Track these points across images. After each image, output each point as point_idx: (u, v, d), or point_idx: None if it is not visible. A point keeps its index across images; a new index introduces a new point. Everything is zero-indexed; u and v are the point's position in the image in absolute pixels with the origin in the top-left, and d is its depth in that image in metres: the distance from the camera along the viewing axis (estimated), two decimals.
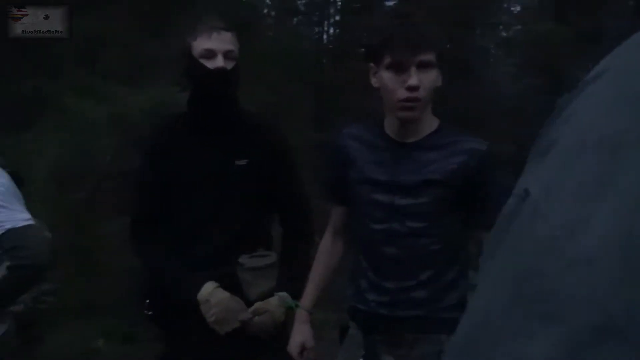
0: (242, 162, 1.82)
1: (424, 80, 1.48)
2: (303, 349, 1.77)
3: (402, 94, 1.49)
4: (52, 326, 2.56)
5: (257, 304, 1.79)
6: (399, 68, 1.48)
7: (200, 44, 1.75)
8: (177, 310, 1.80)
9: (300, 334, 1.77)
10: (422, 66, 1.48)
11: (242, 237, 1.83)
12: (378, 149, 1.61)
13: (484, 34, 11.54)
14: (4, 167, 2.23)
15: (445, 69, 1.62)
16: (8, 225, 1.79)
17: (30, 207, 2.03)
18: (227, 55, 1.76)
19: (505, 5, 11.81)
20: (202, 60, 1.75)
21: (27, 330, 2.31)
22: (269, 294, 1.82)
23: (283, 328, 1.85)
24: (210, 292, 1.75)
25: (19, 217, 1.83)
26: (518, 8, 11.89)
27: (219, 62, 1.74)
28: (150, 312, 1.80)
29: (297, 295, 1.82)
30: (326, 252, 1.81)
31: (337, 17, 14.50)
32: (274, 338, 1.82)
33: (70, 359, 3.75)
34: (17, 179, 2.33)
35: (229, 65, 1.76)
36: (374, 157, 1.61)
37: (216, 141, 1.83)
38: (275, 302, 1.80)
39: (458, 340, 0.41)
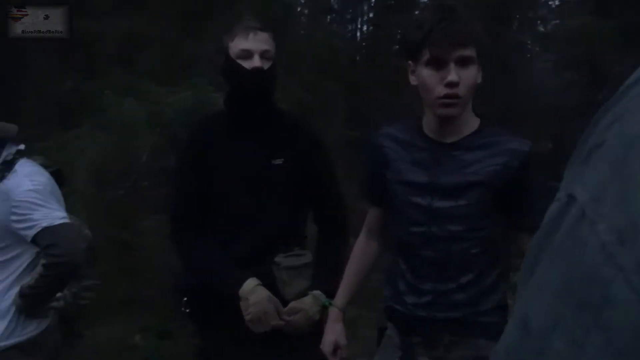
0: (278, 161, 1.83)
1: (464, 76, 1.45)
2: (336, 347, 1.77)
3: (441, 90, 1.45)
4: (92, 322, 2.62)
5: (292, 304, 1.81)
6: (438, 64, 1.45)
7: (238, 45, 1.76)
8: (214, 306, 1.83)
9: (333, 333, 1.78)
10: (462, 62, 1.44)
11: (279, 236, 1.84)
12: (416, 149, 1.58)
13: (521, 29, 11.34)
14: (46, 167, 2.29)
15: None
16: (44, 224, 1.83)
17: (70, 205, 2.09)
18: (263, 55, 1.77)
19: None
20: (239, 61, 1.76)
21: (67, 326, 2.37)
22: (305, 293, 1.83)
23: (318, 326, 1.86)
24: (250, 290, 1.77)
25: (55, 215, 1.87)
26: (556, 2, 11.65)
27: (255, 62, 1.75)
28: (187, 310, 1.83)
29: (331, 293, 1.82)
30: (360, 251, 1.80)
31: (371, 15, 14.43)
32: (309, 336, 1.83)
33: (108, 354, 3.83)
34: (59, 178, 2.40)
35: (266, 65, 1.77)
36: (412, 157, 1.58)
37: (253, 140, 1.84)
38: (310, 301, 1.81)
39: (501, 350, 0.40)
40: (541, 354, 0.34)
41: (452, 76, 1.44)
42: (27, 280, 1.89)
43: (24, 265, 1.93)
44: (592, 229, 0.34)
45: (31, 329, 1.92)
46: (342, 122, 7.65)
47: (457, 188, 1.51)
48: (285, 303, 1.82)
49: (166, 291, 2.48)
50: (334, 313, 1.80)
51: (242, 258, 1.82)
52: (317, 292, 1.83)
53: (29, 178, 1.93)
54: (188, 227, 1.91)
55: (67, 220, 1.89)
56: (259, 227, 1.83)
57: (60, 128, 5.02)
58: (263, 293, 1.77)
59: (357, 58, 10.93)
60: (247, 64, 1.75)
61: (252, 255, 1.82)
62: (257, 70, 1.75)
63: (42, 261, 1.86)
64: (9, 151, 1.98)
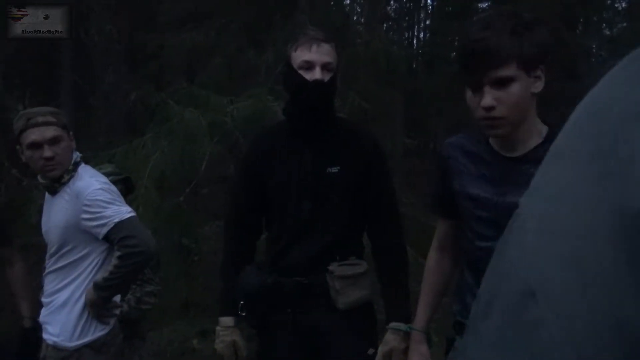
0: (334, 169, 1.84)
1: (503, 97, 1.38)
2: None
3: (481, 113, 1.41)
4: (153, 324, 2.71)
5: (382, 353, 1.80)
6: (474, 87, 1.41)
7: (300, 56, 1.78)
8: (269, 310, 1.86)
9: (417, 355, 1.75)
10: (499, 83, 1.38)
11: (334, 244, 1.85)
12: (483, 162, 1.53)
13: (587, 33, 10.95)
14: (115, 174, 2.39)
15: (549, 70, 1.51)
16: (116, 219, 1.92)
17: (135, 211, 2.16)
18: (325, 67, 1.78)
19: (609, 1, 11.14)
20: (301, 72, 1.78)
21: (130, 328, 2.45)
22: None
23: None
24: (223, 328, 1.90)
25: (124, 210, 1.95)
26: (623, 4, 11.18)
27: (317, 74, 1.76)
28: (244, 313, 1.86)
29: (407, 318, 1.81)
30: (434, 270, 1.76)
31: (428, 22, 14.28)
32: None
33: (168, 356, 3.94)
34: (127, 185, 2.49)
35: (327, 77, 1.78)
36: (478, 171, 1.54)
37: (310, 149, 1.86)
38: (392, 337, 1.81)
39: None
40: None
41: (485, 100, 1.38)
42: (101, 274, 1.96)
43: (93, 265, 2.00)
44: (521, 225, 0.37)
45: (101, 329, 2.00)
46: (400, 131, 7.60)
47: None
48: (336, 312, 1.82)
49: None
50: (417, 335, 1.77)
51: (297, 265, 1.84)
52: (394, 325, 1.81)
53: (95, 178, 2.02)
54: (237, 235, 1.96)
55: (134, 214, 1.98)
56: (314, 235, 1.85)
57: (126, 137, 5.22)
58: (228, 337, 1.89)
59: (415, 66, 10.84)
60: (308, 75, 1.77)
61: (306, 262, 1.84)
62: (317, 83, 1.76)
63: (117, 254, 1.92)
64: (77, 155, 2.09)
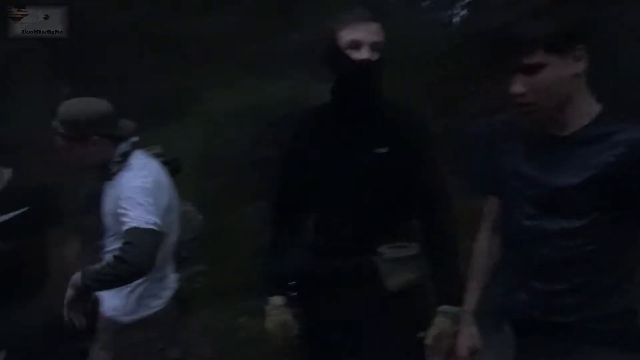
0: (382, 150, 1.82)
1: (534, 83, 1.36)
2: (471, 351, 1.75)
3: (513, 99, 1.40)
4: (202, 303, 2.78)
5: (432, 336, 1.80)
6: (506, 74, 1.40)
7: (347, 35, 1.74)
8: (319, 291, 1.88)
9: (468, 338, 1.75)
10: (529, 70, 1.36)
11: (382, 226, 1.84)
12: (531, 141, 1.52)
13: (632, 8, 10.51)
14: (162, 156, 2.43)
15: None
16: (134, 224, 1.91)
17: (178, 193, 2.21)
18: (373, 46, 1.75)
19: None
20: (348, 51, 1.75)
21: (181, 306, 2.51)
22: (408, 287, 1.83)
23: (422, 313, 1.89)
24: (272, 307, 1.93)
25: (147, 218, 1.91)
26: None
27: (364, 53, 1.73)
28: (294, 294, 1.89)
29: (458, 301, 1.80)
30: (483, 252, 1.74)
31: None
32: (412, 323, 1.85)
33: (216, 334, 4.03)
34: (174, 167, 2.54)
35: (375, 56, 1.75)
36: (526, 149, 1.52)
37: (356, 130, 1.84)
38: (442, 320, 1.81)
39: None
40: None
41: (514, 87, 1.37)
42: (95, 266, 1.95)
43: None
44: None
45: (154, 306, 2.07)
46: (439, 111, 7.48)
47: (571, 182, 1.43)
48: (387, 295, 1.82)
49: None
50: (466, 317, 1.77)
51: (345, 247, 1.85)
52: (444, 308, 1.81)
53: (141, 173, 2.04)
54: (281, 217, 1.99)
55: (155, 228, 1.92)
56: (362, 217, 1.85)
57: (166, 120, 5.31)
58: (278, 317, 1.91)
59: (455, 44, 10.60)
60: (355, 55, 1.74)
61: (354, 245, 1.85)
62: (365, 62, 1.73)
63: (115, 253, 1.92)
64: (127, 143, 2.11)
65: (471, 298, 1.75)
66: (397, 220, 1.89)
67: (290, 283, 1.88)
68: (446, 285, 1.85)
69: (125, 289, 2.04)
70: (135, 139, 2.14)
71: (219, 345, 3.92)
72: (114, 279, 1.92)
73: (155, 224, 1.93)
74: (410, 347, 1.83)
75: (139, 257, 1.87)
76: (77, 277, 1.94)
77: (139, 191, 1.97)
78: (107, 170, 2.08)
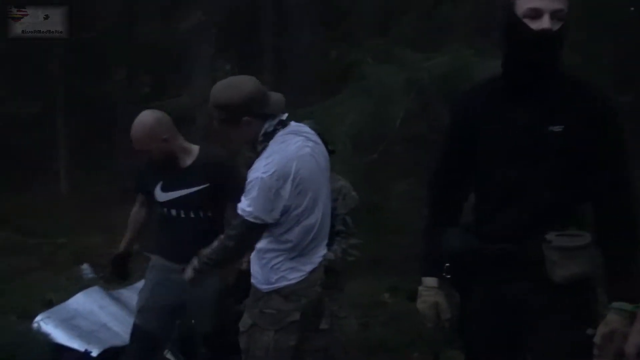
0: (557, 128, 1.66)
1: None
2: None
3: None
4: (353, 276, 2.80)
5: (602, 334, 1.63)
6: None
7: (526, 3, 1.61)
8: (475, 273, 1.80)
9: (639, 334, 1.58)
10: None
11: (552, 211, 1.69)
12: None
13: None
14: (314, 130, 2.46)
15: None
16: (241, 213, 2.03)
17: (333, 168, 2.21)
18: (555, 15, 1.60)
19: None
20: (526, 20, 1.62)
21: (332, 280, 2.56)
22: (576, 279, 1.67)
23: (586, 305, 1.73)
24: (426, 288, 1.85)
25: (255, 213, 2.01)
26: None
27: (544, 23, 1.59)
28: (449, 275, 1.82)
29: (634, 298, 1.62)
30: None
31: None
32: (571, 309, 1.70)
33: (360, 308, 4.09)
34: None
35: (555, 26, 1.61)
36: None
37: (530, 106, 1.70)
38: (615, 317, 1.63)
39: None
40: None
41: None
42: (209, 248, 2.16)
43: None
44: None
45: (291, 278, 2.09)
46: (613, 86, 6.82)
47: None
48: (552, 285, 1.68)
49: (415, 255, 2.52)
50: None
51: (508, 230, 1.73)
52: (617, 304, 1.64)
53: (267, 161, 2.03)
54: (442, 195, 1.90)
55: (258, 222, 2.02)
56: (529, 199, 1.71)
57: (322, 96, 5.41)
58: (432, 298, 1.83)
59: (632, 9, 9.55)
60: (534, 25, 1.61)
61: (518, 229, 1.72)
62: (544, 33, 1.59)
63: (221, 236, 2.13)
64: (271, 123, 2.09)
65: None
66: (568, 205, 1.71)
67: (446, 265, 1.81)
68: (620, 280, 1.66)
69: (262, 260, 2.12)
70: (283, 116, 2.14)
71: (364, 319, 3.97)
72: (215, 262, 2.15)
73: (258, 218, 2.01)
74: (576, 343, 1.67)
75: (235, 245, 2.09)
76: (194, 260, 2.18)
77: (256, 182, 2.00)
78: (255, 149, 2.12)
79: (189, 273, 2.21)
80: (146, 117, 2.61)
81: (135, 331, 2.70)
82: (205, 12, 7.48)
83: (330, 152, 2.67)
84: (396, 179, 5.24)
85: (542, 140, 1.68)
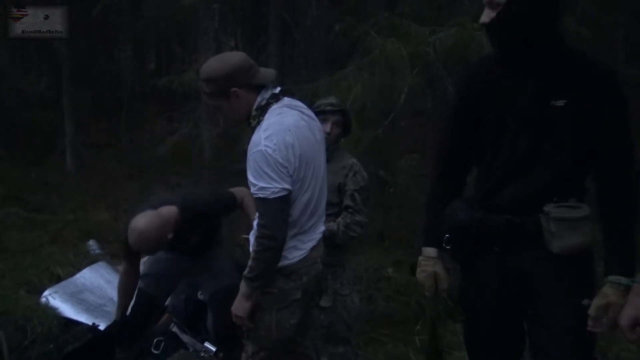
0: (560, 102, 1.66)
1: None
2: (635, 323, 1.59)
3: None
4: (350, 252, 2.80)
5: (597, 306, 1.64)
6: None
7: None
8: (472, 249, 1.80)
9: (633, 308, 1.58)
10: None
11: (551, 184, 1.69)
12: None
13: None
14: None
15: None
16: (261, 195, 1.96)
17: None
18: (490, 4, 1.65)
19: None
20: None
21: (333, 256, 2.57)
22: (574, 250, 1.67)
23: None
24: (425, 257, 1.88)
25: (272, 188, 1.94)
26: None
27: (483, 16, 1.63)
28: (448, 247, 1.83)
29: (630, 272, 1.63)
30: None
31: None
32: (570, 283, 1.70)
33: (364, 282, 4.11)
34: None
35: (492, 15, 1.65)
36: None
37: (532, 80, 1.69)
38: (610, 290, 1.64)
39: None
40: None
41: None
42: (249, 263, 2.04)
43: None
44: None
45: (293, 257, 2.08)
46: (623, 60, 6.73)
47: None
48: (550, 255, 1.69)
49: (418, 228, 2.52)
50: (637, 287, 1.60)
51: (509, 202, 1.73)
52: (614, 278, 1.64)
53: (267, 133, 1.98)
54: (446, 168, 1.90)
55: (282, 194, 1.95)
56: (530, 173, 1.71)
57: (328, 70, 5.36)
58: (430, 268, 1.86)
59: None
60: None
61: (519, 201, 1.72)
62: (484, 26, 1.65)
63: (256, 233, 2.01)
64: (264, 96, 2.06)
65: None
66: (568, 178, 1.72)
67: (446, 236, 1.81)
68: (618, 253, 1.67)
69: None
70: (276, 89, 2.11)
71: (366, 294, 3.99)
72: (265, 257, 2.01)
73: (281, 190, 1.95)
74: (571, 312, 1.69)
75: (273, 228, 1.97)
76: (242, 286, 2.08)
77: (259, 158, 1.94)
78: (249, 124, 2.08)
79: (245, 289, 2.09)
80: (141, 224, 2.57)
81: (139, 293, 3.02)
82: None
83: (347, 132, 2.74)
84: (401, 154, 5.22)
85: (544, 114, 1.68)
